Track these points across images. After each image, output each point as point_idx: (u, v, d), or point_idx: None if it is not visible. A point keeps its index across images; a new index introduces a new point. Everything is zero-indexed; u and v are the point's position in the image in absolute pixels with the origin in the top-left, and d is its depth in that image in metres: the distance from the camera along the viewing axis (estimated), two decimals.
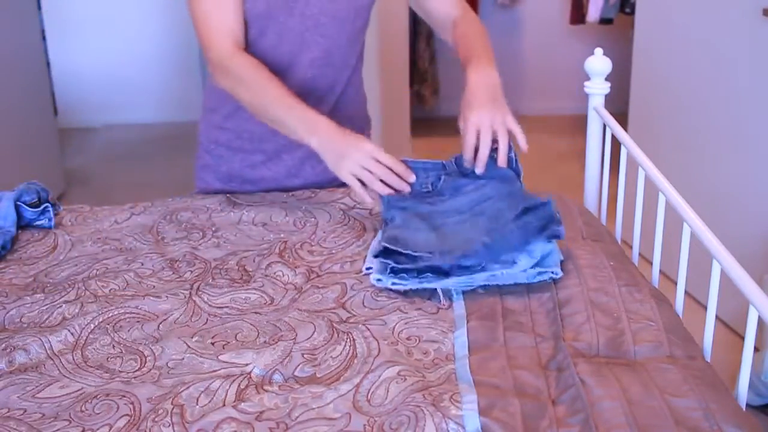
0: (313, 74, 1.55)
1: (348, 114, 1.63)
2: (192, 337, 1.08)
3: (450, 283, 1.16)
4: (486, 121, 1.32)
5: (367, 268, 1.24)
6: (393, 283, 1.17)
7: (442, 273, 1.17)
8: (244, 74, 1.42)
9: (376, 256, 1.22)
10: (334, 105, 1.60)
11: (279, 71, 1.49)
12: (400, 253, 1.19)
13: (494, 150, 1.35)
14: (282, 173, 1.62)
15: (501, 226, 1.19)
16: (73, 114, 5.14)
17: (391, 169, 1.31)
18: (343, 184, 1.41)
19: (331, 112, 1.59)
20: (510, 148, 1.35)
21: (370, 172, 1.30)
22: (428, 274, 1.17)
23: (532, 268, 1.17)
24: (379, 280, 1.19)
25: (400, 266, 1.17)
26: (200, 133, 1.69)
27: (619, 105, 3.23)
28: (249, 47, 1.50)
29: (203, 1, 1.45)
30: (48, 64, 4.74)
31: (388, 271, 1.18)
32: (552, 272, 1.17)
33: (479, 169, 1.33)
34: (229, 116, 1.60)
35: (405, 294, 1.18)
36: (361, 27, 1.59)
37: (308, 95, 1.54)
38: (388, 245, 1.20)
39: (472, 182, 1.34)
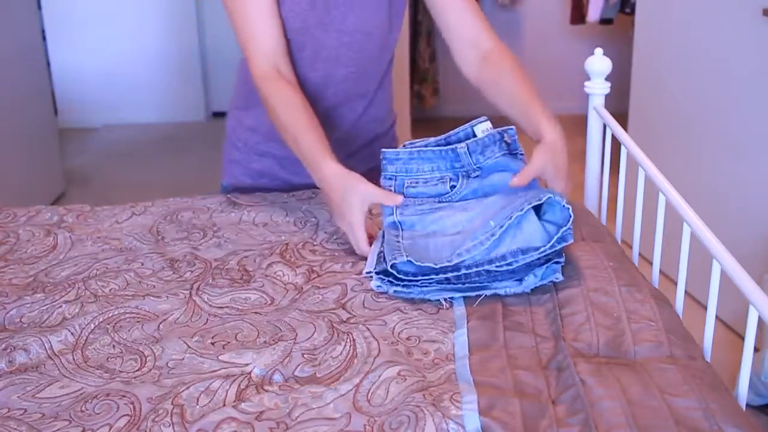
0: (346, 87, 1.55)
1: (377, 116, 1.64)
2: (192, 337, 1.08)
3: (453, 294, 1.16)
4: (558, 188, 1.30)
5: (367, 272, 1.24)
6: (395, 291, 1.17)
7: (446, 284, 1.16)
8: (276, 106, 1.39)
9: (377, 273, 1.20)
10: (363, 111, 1.60)
11: (313, 87, 1.50)
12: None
13: (503, 133, 1.31)
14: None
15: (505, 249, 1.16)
16: (73, 114, 5.15)
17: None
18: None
19: (358, 118, 1.60)
20: (521, 155, 1.32)
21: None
22: (431, 284, 1.16)
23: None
24: (379, 286, 1.19)
25: (401, 283, 1.16)
26: (228, 127, 1.68)
27: (619, 105, 3.23)
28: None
29: (244, 20, 1.42)
30: (48, 64, 4.75)
31: (387, 280, 1.18)
32: (554, 277, 1.17)
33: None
34: (261, 120, 1.57)
35: None
36: (396, 36, 1.57)
37: (339, 105, 1.56)
38: (391, 269, 1.17)
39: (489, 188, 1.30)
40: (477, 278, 1.16)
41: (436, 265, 1.15)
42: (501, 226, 1.15)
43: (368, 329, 1.08)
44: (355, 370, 0.99)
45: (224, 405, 0.93)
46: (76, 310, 1.17)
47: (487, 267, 1.14)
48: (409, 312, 1.13)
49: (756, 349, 2.19)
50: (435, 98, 4.83)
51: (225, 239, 1.40)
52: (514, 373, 0.97)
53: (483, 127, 1.31)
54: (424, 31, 4.65)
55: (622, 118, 2.51)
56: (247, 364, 1.01)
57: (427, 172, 1.30)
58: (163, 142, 4.87)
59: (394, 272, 1.17)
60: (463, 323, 1.09)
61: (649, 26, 2.95)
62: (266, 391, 0.95)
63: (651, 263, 1.44)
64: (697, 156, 2.68)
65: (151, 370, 1.02)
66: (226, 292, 1.21)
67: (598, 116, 1.70)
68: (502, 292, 1.16)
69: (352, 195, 1.26)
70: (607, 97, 1.72)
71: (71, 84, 5.12)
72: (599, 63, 1.68)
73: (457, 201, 1.28)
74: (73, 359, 1.05)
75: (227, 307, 1.18)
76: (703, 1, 2.60)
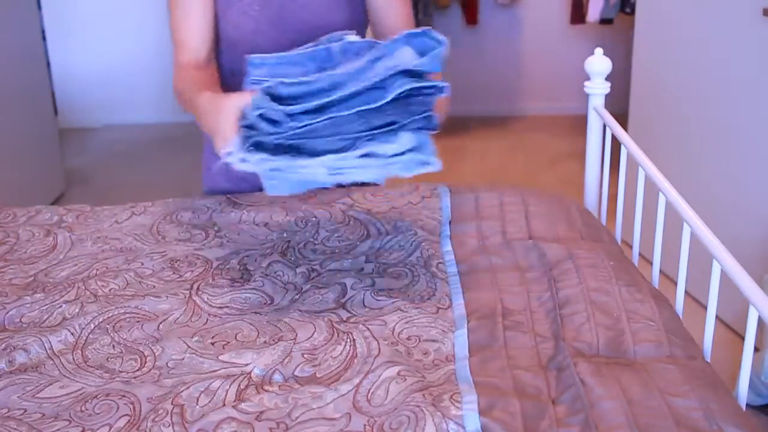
0: None
1: None
2: (192, 337, 1.08)
3: (324, 161, 1.06)
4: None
5: (229, 152, 1.10)
6: (261, 160, 1.06)
7: (313, 154, 1.08)
8: (183, 91, 1.40)
9: (243, 127, 1.09)
10: None
11: None
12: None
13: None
14: None
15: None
16: (73, 114, 5.14)
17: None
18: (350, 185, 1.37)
19: None
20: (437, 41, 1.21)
21: None
22: (298, 153, 1.07)
23: (409, 152, 1.10)
24: (243, 159, 1.07)
25: (266, 143, 1.07)
26: (205, 137, 1.68)
27: (619, 105, 3.23)
28: (236, 71, 1.45)
29: (175, 16, 1.48)
30: (48, 64, 4.75)
31: (250, 144, 1.07)
32: (429, 161, 1.11)
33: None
34: None
35: (403, 291, 1.18)
36: (359, 31, 1.52)
37: None
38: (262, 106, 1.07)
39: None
40: (350, 125, 1.07)
41: (311, 79, 1.09)
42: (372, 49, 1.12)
43: (368, 329, 1.08)
44: (355, 370, 0.99)
45: (224, 405, 0.93)
46: (76, 310, 1.17)
47: (360, 81, 1.09)
48: (409, 312, 1.13)
49: (756, 349, 2.19)
50: None
51: (228, 239, 1.41)
52: (514, 373, 0.97)
53: (352, 38, 1.25)
54: None
55: (622, 118, 2.51)
56: (247, 364, 1.01)
57: (295, 76, 1.20)
58: (163, 142, 4.86)
59: (262, 118, 1.07)
60: (463, 323, 1.09)
61: (649, 26, 2.95)
62: (266, 391, 0.95)
63: (651, 263, 1.44)
64: (697, 156, 2.68)
65: (151, 370, 1.02)
66: (226, 292, 1.21)
67: (598, 116, 1.70)
68: (380, 151, 1.07)
69: (224, 104, 1.16)
70: (607, 97, 1.72)
71: (71, 84, 5.12)
72: (599, 63, 1.68)
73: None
74: (73, 359, 1.05)
75: (227, 307, 1.18)
76: (703, 1, 2.60)
